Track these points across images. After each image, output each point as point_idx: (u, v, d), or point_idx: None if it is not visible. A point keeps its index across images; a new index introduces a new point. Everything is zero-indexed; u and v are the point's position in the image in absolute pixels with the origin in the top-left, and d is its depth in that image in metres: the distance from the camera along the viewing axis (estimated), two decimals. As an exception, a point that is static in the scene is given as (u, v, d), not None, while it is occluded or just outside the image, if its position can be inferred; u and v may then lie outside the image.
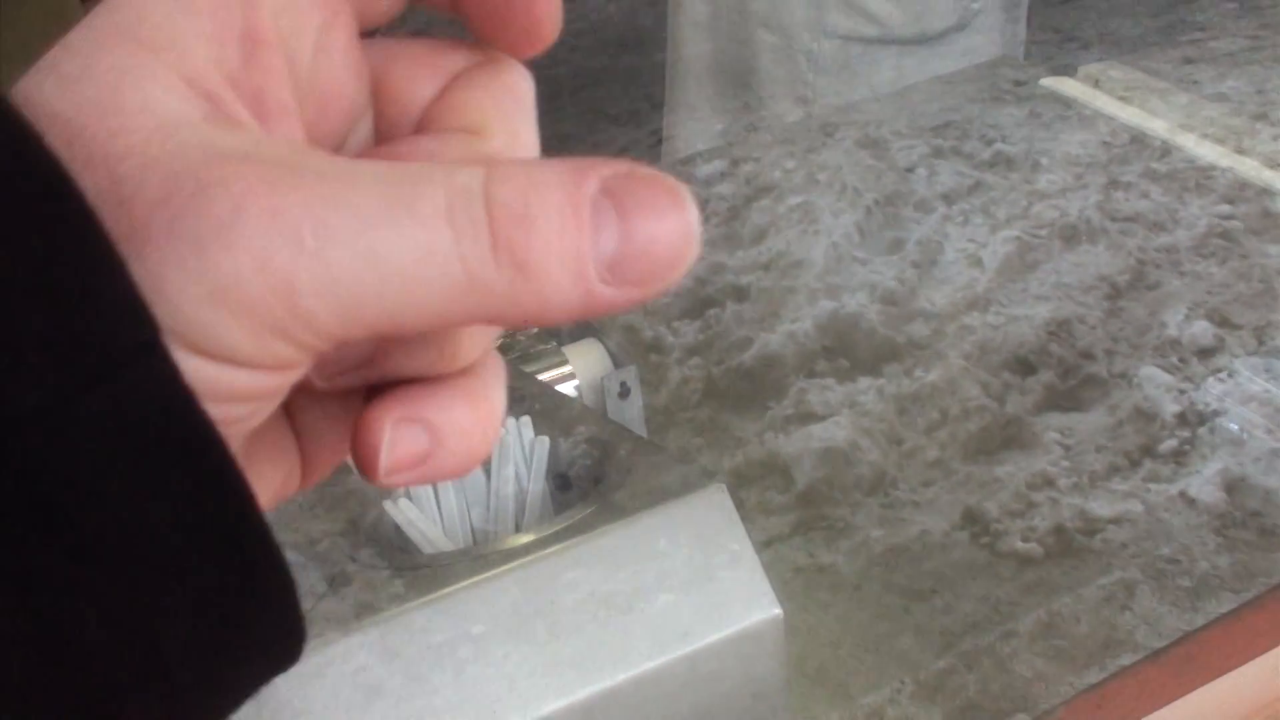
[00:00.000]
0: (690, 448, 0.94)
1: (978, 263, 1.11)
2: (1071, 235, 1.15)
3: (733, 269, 1.13)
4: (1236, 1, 1.65)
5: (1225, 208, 1.18)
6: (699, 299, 1.11)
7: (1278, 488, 0.85)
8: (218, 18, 0.23)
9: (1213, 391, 0.95)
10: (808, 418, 0.96)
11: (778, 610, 0.57)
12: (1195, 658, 0.77)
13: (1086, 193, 1.21)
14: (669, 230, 0.23)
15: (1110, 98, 1.40)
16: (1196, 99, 1.39)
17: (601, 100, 1.88)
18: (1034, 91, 1.42)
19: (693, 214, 0.23)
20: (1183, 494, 0.86)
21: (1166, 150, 1.28)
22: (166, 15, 0.22)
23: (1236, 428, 0.90)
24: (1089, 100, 1.39)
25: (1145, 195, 1.20)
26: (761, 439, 0.94)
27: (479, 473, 0.64)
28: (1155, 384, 0.96)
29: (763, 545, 0.84)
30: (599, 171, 0.23)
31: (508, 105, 0.27)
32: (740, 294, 1.11)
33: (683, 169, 1.33)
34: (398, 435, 0.25)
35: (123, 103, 0.21)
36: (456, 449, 0.25)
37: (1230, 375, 0.96)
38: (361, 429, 0.25)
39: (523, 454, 0.63)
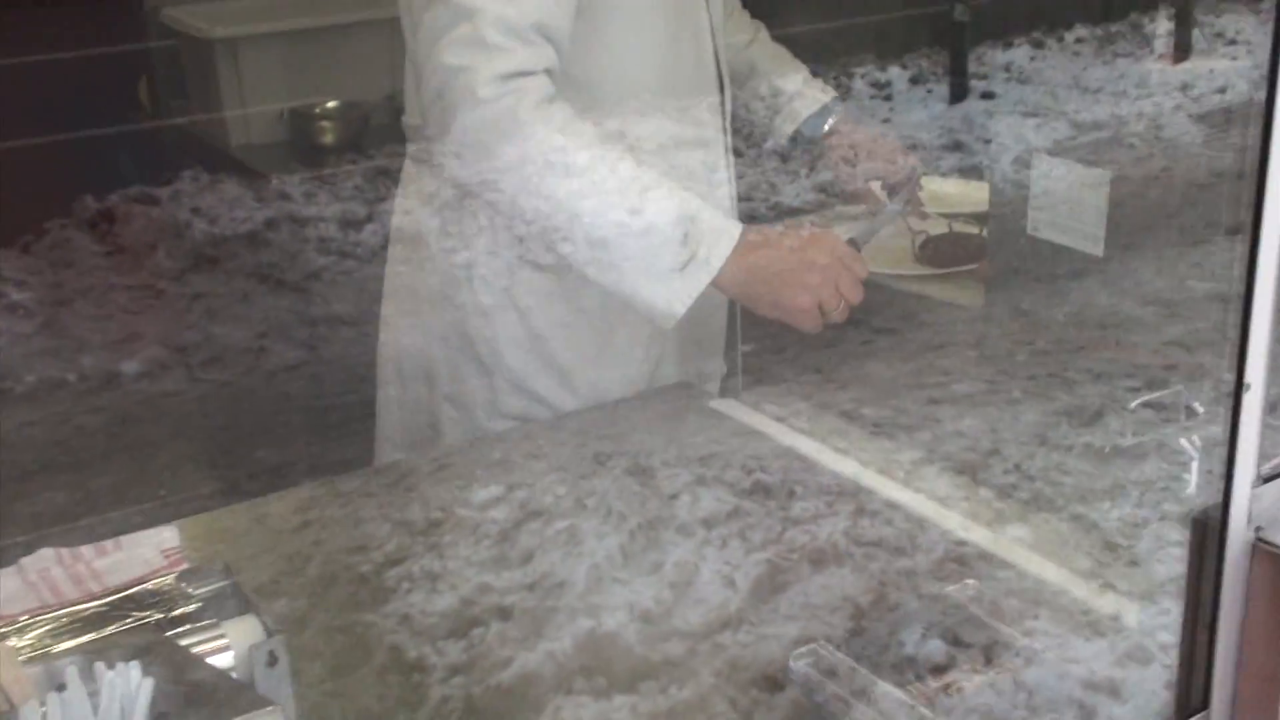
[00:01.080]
0: (444, 766, 0.95)
1: (731, 584, 1.16)
2: (820, 559, 1.22)
3: (499, 590, 1.17)
4: (977, 350, 1.82)
5: (960, 534, 1.28)
6: (465, 619, 1.14)
7: (994, 796, 0.90)
8: None
9: (943, 707, 1.00)
10: (562, 735, 0.98)
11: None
12: None
13: (836, 520, 1.30)
14: None
15: (863, 433, 1.51)
16: (938, 434, 1.52)
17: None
18: (795, 426, 1.53)
19: None
20: (911, 805, 0.90)
21: (910, 480, 1.39)
22: None
23: (960, 740, 0.96)
24: (844, 434, 1.51)
25: (889, 523, 1.29)
26: (515, 757, 0.96)
27: (89, 712, 0.73)
28: (892, 700, 1.02)
29: None
30: None
31: None
32: (505, 614, 1.14)
33: (460, 493, 1.38)
34: None
35: None
36: None
37: (959, 691, 1.02)
38: None
39: (129, 694, 0.74)
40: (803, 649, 1.05)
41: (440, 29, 1.38)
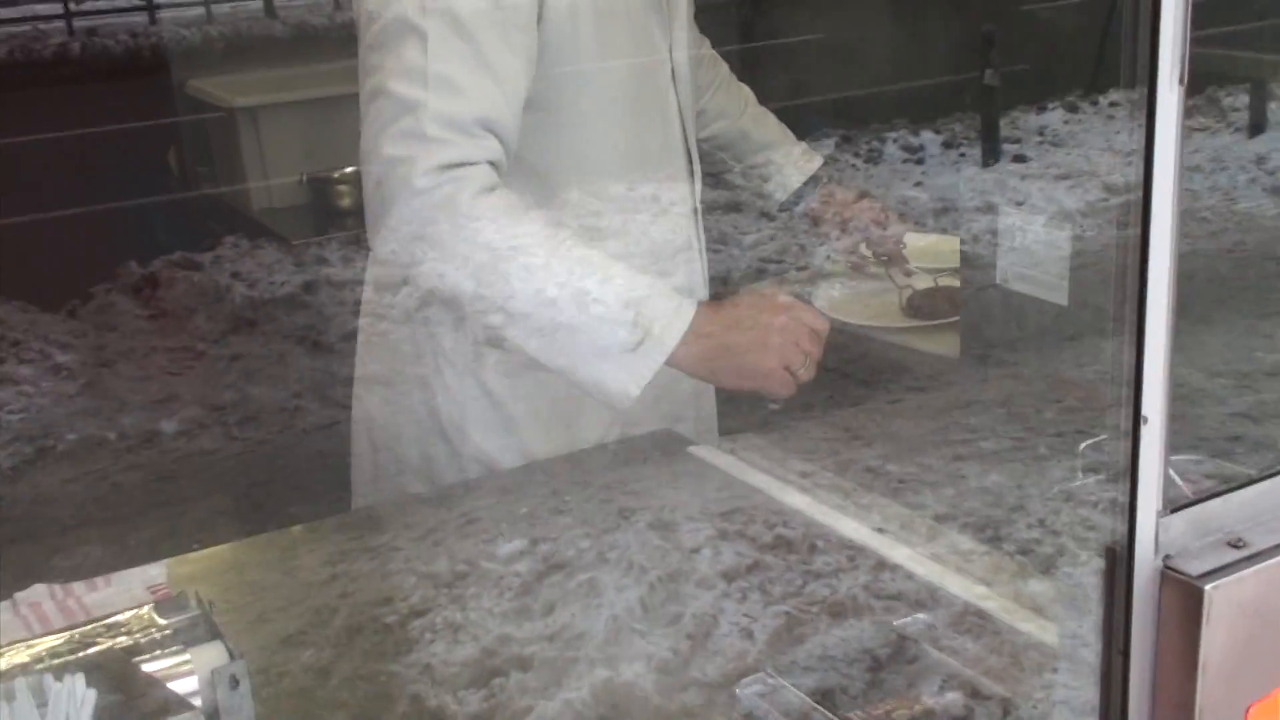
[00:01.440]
0: (461, 812, 0.96)
1: (749, 635, 1.17)
2: (839, 612, 1.23)
3: (519, 640, 1.18)
4: (1005, 408, 1.82)
5: (982, 589, 1.28)
6: (486, 669, 1.15)
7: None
8: None
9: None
10: (578, 783, 0.99)
11: None
12: None
13: (857, 574, 1.30)
14: None
15: (887, 489, 1.52)
16: (962, 490, 1.52)
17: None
18: (819, 482, 1.54)
19: None
20: None
21: (934, 535, 1.39)
22: None
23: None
24: (868, 490, 1.51)
25: (910, 577, 1.30)
26: (531, 804, 0.97)
27: (36, 716, 0.79)
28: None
29: None
30: None
31: None
32: (525, 664, 1.15)
33: (485, 547, 1.39)
34: None
35: None
36: None
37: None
38: None
39: (74, 704, 0.80)
40: (751, 677, 1.09)
41: (383, 122, 1.40)
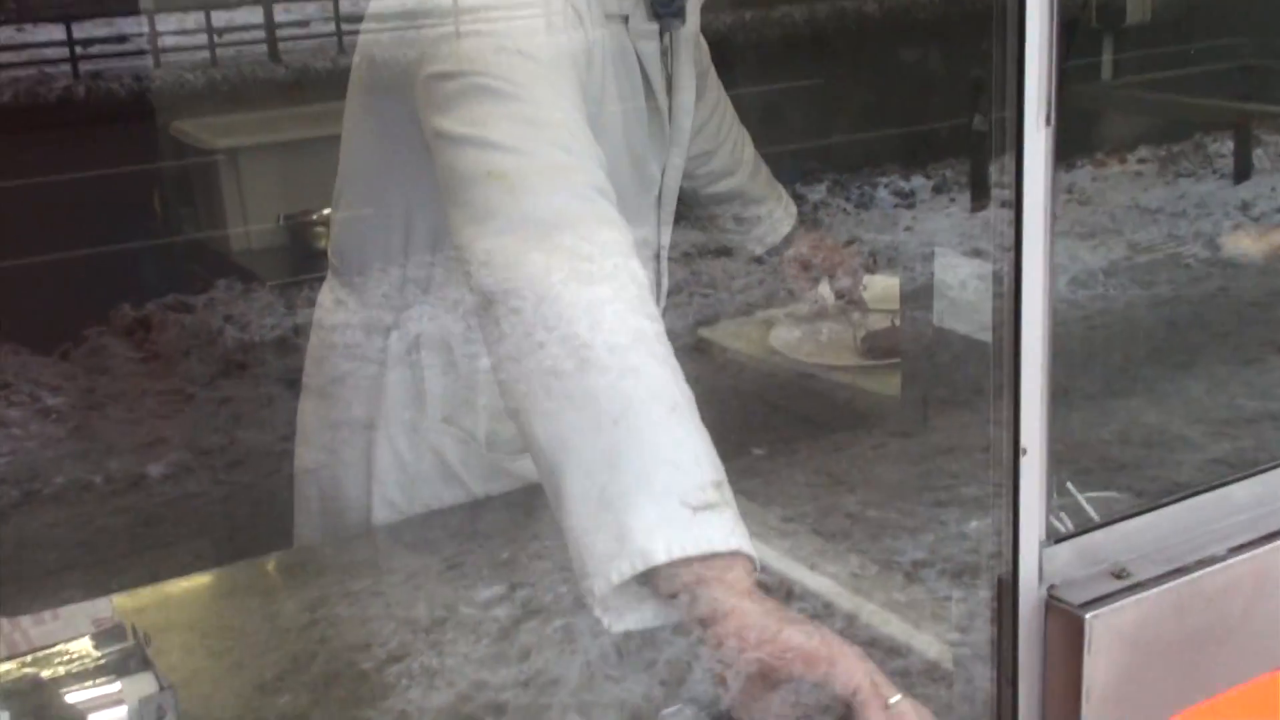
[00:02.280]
0: None
1: (723, 682, 1.17)
2: (813, 659, 1.23)
3: (494, 686, 1.19)
4: (987, 454, 1.82)
5: (957, 635, 1.29)
6: (461, 715, 1.16)
7: None
8: None
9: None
10: (548, 830, 0.99)
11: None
12: None
13: (833, 620, 1.31)
14: None
15: (866, 534, 1.53)
16: (941, 536, 1.53)
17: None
18: (800, 527, 1.54)
19: None
20: None
21: (911, 580, 1.40)
22: None
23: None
24: (847, 536, 1.52)
25: (886, 623, 1.30)
26: None
27: None
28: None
29: None
30: None
31: None
32: (499, 710, 1.16)
33: (465, 592, 1.40)
34: None
35: None
36: None
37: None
38: None
39: None
40: (671, 709, 1.12)
41: (501, 119, 1.17)
